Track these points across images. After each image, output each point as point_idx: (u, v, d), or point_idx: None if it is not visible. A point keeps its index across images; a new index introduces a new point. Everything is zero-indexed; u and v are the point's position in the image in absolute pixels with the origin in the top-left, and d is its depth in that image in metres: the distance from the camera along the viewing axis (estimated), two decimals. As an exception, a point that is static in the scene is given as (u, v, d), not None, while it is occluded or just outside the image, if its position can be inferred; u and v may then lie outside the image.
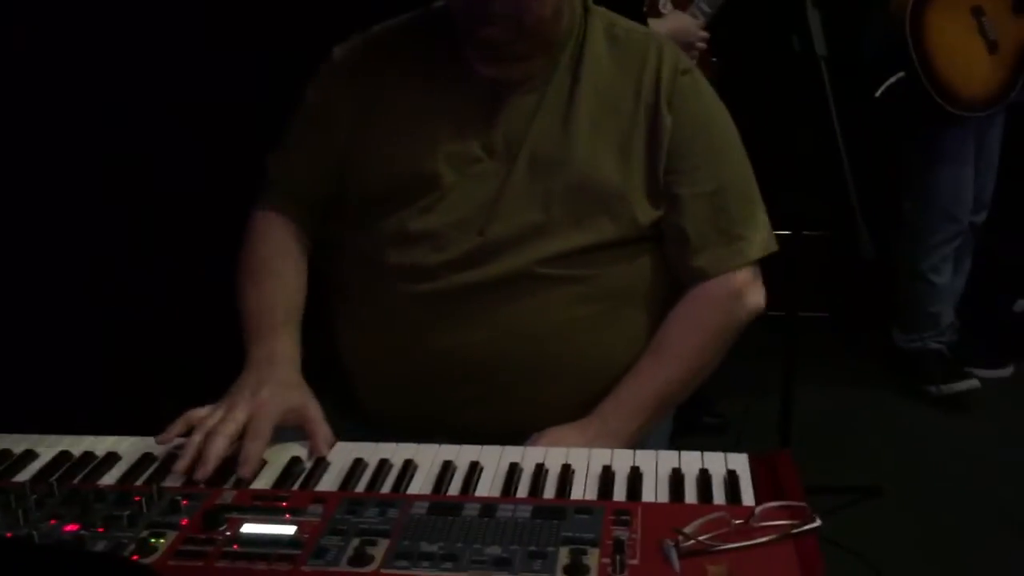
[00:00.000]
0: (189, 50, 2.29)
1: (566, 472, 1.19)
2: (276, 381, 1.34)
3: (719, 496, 1.14)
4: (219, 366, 1.41)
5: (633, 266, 1.49)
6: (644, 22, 2.40)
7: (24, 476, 1.21)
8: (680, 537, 1.00)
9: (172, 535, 1.05)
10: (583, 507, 1.09)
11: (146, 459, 1.25)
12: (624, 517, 1.06)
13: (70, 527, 1.06)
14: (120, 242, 2.30)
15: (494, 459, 1.23)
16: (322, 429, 1.30)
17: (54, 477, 1.19)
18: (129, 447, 1.27)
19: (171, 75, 2.27)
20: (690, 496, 1.14)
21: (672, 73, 1.49)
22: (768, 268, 1.55)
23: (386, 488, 1.18)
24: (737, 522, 1.03)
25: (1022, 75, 3.03)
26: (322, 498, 1.12)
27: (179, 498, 1.11)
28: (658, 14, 2.56)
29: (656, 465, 1.20)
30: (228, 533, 1.05)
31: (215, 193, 2.20)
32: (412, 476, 1.20)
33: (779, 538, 1.02)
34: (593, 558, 0.99)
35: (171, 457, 1.25)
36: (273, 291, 1.48)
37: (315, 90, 1.56)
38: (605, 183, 1.45)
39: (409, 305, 1.45)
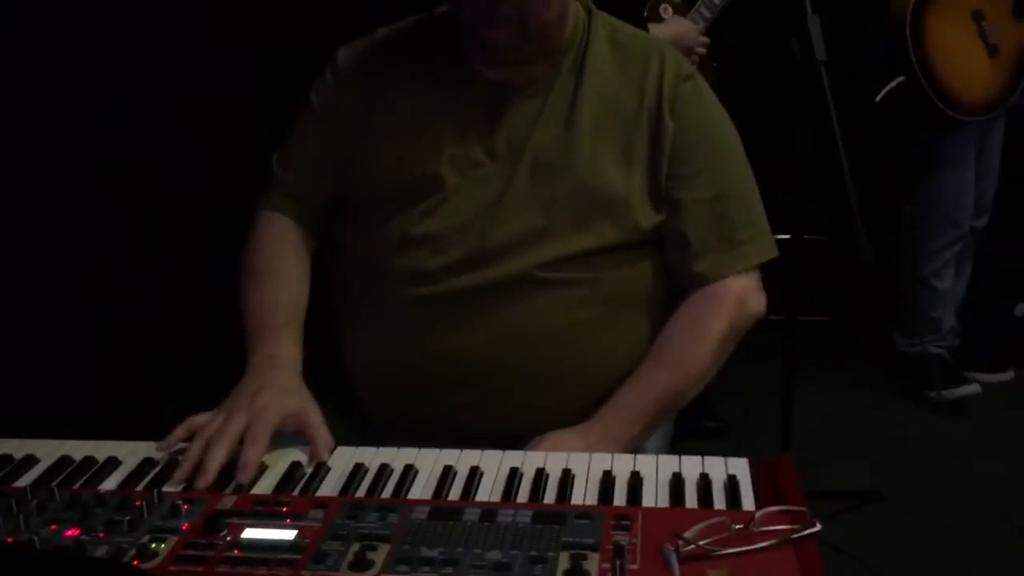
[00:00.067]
0: (189, 50, 2.30)
1: (566, 477, 1.19)
2: (276, 386, 1.34)
3: (719, 501, 1.14)
4: (220, 369, 1.41)
5: (634, 270, 1.50)
6: (644, 27, 2.41)
7: (25, 481, 1.21)
8: (680, 542, 1.00)
9: (173, 540, 1.05)
10: (583, 512, 1.09)
11: (147, 464, 1.25)
12: (624, 522, 1.06)
13: (71, 532, 1.06)
14: (120, 243, 2.30)
15: (494, 464, 1.23)
16: (322, 434, 1.30)
17: (55, 482, 1.19)
18: (129, 452, 1.27)
19: (171, 75, 2.28)
20: (690, 501, 1.14)
21: (674, 79, 1.50)
22: (768, 272, 1.55)
23: (386, 493, 1.18)
24: (737, 527, 1.03)
25: (1022, 79, 3.03)
26: (322, 503, 1.12)
27: (180, 503, 1.11)
28: (658, 19, 2.57)
29: (656, 470, 1.20)
30: (229, 538, 1.05)
31: (216, 193, 2.20)
32: (412, 481, 1.20)
33: (779, 543, 1.02)
34: (593, 563, 0.99)
35: (172, 462, 1.25)
36: (275, 293, 1.48)
37: (319, 92, 1.56)
38: (607, 187, 1.46)
39: (410, 308, 1.45)
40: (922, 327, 3.26)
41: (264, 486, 1.21)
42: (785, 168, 2.21)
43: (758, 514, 1.05)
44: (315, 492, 1.19)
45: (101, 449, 1.28)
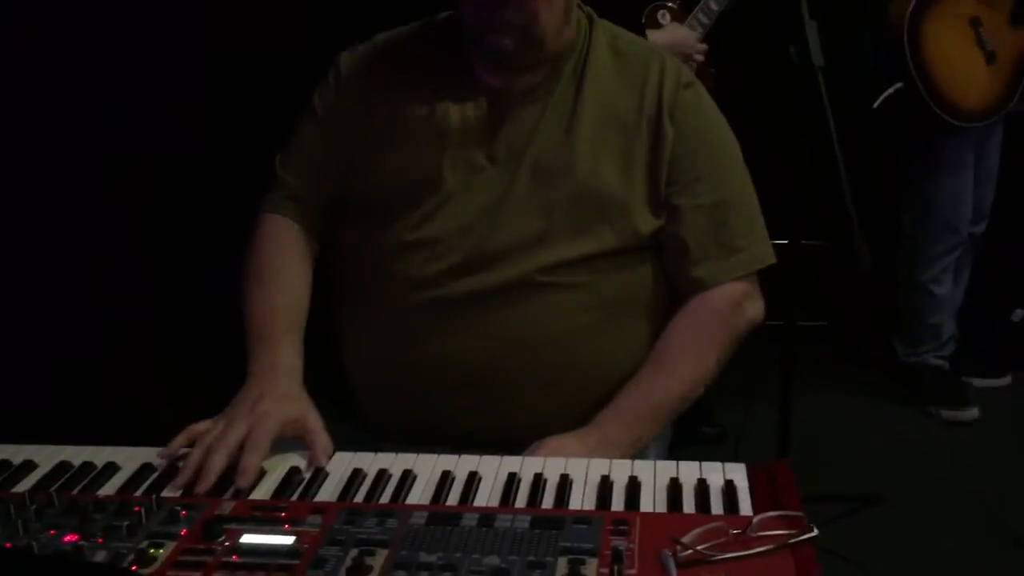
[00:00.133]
0: (191, 50, 2.30)
1: (564, 482, 1.19)
2: (276, 393, 1.34)
3: (717, 506, 1.14)
4: (220, 372, 1.41)
5: (633, 275, 1.50)
6: (642, 33, 2.42)
7: (24, 486, 1.21)
8: (678, 547, 1.00)
9: (171, 545, 1.05)
10: (581, 517, 1.09)
11: (145, 469, 1.25)
12: (622, 527, 1.06)
13: (69, 537, 1.07)
14: (120, 245, 2.30)
15: (493, 469, 1.23)
16: (321, 439, 1.30)
17: (53, 487, 1.19)
18: (128, 457, 1.27)
19: (172, 75, 2.28)
20: (688, 506, 1.14)
21: (675, 86, 1.51)
22: (767, 278, 1.56)
23: (385, 498, 1.18)
24: (735, 532, 1.03)
25: (1020, 85, 3.04)
26: (321, 508, 1.12)
27: (178, 508, 1.11)
28: (656, 25, 2.58)
29: (654, 475, 1.20)
30: (227, 543, 1.05)
31: (216, 194, 2.21)
32: (411, 486, 1.21)
33: (776, 548, 1.02)
34: (591, 568, 0.99)
35: (170, 467, 1.25)
36: (277, 298, 1.49)
37: (321, 95, 1.57)
38: (607, 192, 1.46)
39: (409, 312, 1.45)
40: (923, 335, 3.26)
41: (262, 491, 1.21)
42: (783, 173, 2.21)
43: (755, 519, 1.05)
44: (313, 497, 1.19)
45: (100, 454, 1.28)
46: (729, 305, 1.51)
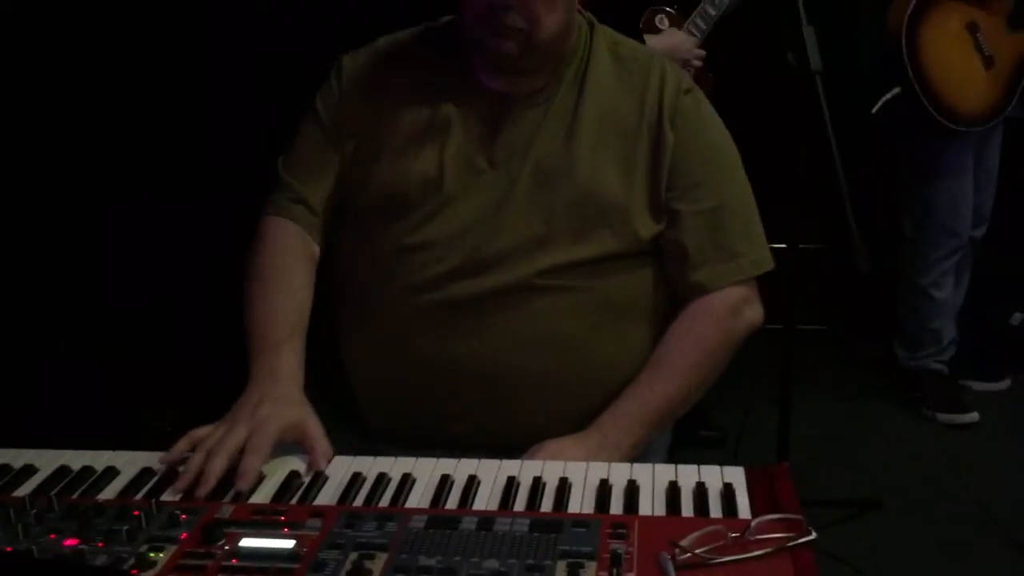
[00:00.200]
0: (193, 51, 2.30)
1: (563, 486, 1.20)
2: (277, 398, 1.35)
3: (715, 509, 1.14)
4: (221, 376, 1.42)
5: (633, 279, 1.51)
6: (640, 39, 2.42)
7: (24, 491, 1.21)
8: (677, 550, 1.01)
9: (171, 549, 1.05)
10: (580, 520, 1.09)
11: (145, 474, 1.25)
12: (621, 530, 1.06)
13: (69, 541, 1.07)
14: (121, 247, 2.30)
15: (492, 473, 1.24)
16: (321, 444, 1.30)
17: (53, 492, 1.19)
18: (128, 462, 1.28)
19: (174, 76, 2.28)
20: (687, 509, 1.15)
21: (675, 92, 1.52)
22: (766, 281, 1.56)
23: (384, 502, 1.19)
24: (733, 535, 1.03)
25: (1018, 90, 3.04)
26: (320, 512, 1.12)
27: (178, 512, 1.11)
28: (654, 30, 2.58)
29: (653, 478, 1.21)
30: (227, 547, 1.06)
31: (217, 195, 2.21)
32: (410, 490, 1.21)
33: (775, 551, 1.02)
34: (590, 571, 1.00)
35: (170, 471, 1.25)
36: (279, 303, 1.49)
37: (324, 99, 1.58)
38: (607, 196, 1.47)
39: (409, 315, 1.46)
40: (923, 339, 3.25)
41: (262, 495, 1.22)
42: (782, 178, 2.21)
43: (754, 522, 1.05)
44: (313, 501, 1.20)
45: (100, 459, 1.28)
46: (728, 310, 1.51)
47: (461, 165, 1.48)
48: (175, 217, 2.30)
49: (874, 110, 2.94)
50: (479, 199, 1.47)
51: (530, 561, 1.01)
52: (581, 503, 1.17)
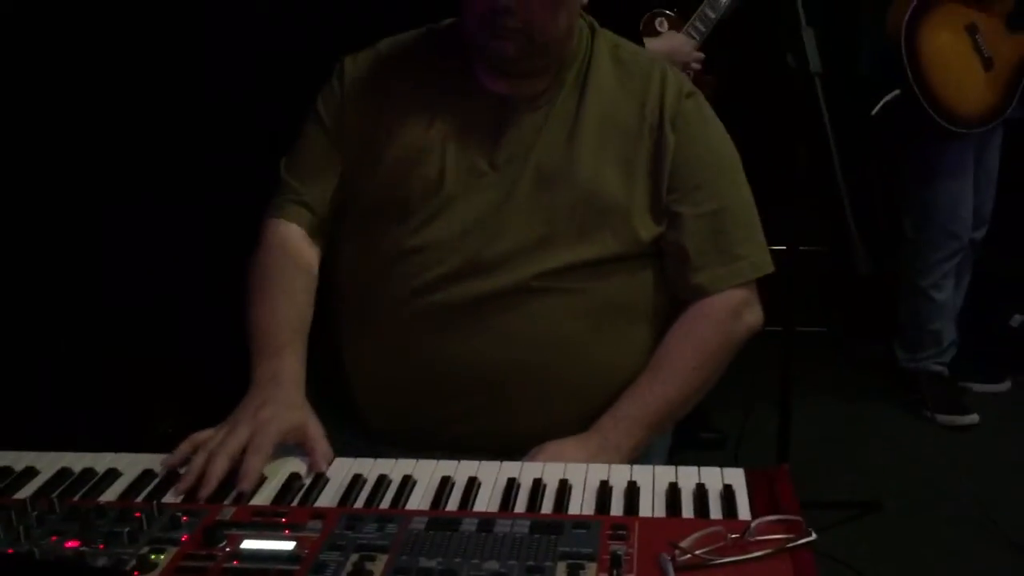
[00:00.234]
0: (192, 53, 2.30)
1: (564, 487, 1.20)
2: (279, 401, 1.35)
3: (715, 511, 1.15)
4: (222, 378, 1.42)
5: (634, 281, 1.51)
6: (640, 42, 2.42)
7: (25, 493, 1.21)
8: (676, 551, 1.01)
9: (172, 551, 1.05)
10: (580, 522, 1.09)
11: (146, 476, 1.25)
12: (621, 532, 1.07)
13: (71, 543, 1.07)
14: (120, 248, 2.30)
15: (492, 474, 1.24)
16: (321, 445, 1.31)
17: (55, 494, 1.19)
18: (129, 464, 1.28)
19: (176, 76, 2.28)
20: (687, 511, 1.15)
21: (676, 96, 1.52)
22: (766, 284, 1.57)
23: (385, 504, 1.19)
24: (733, 536, 1.04)
25: (1018, 91, 3.05)
26: (321, 514, 1.12)
27: (179, 514, 1.11)
28: (654, 33, 2.59)
29: (653, 480, 1.21)
30: (228, 549, 1.06)
31: (218, 197, 2.21)
32: (411, 492, 1.21)
33: (774, 552, 1.03)
34: (590, 572, 1.00)
35: (171, 473, 1.26)
36: (281, 306, 1.49)
37: (326, 101, 1.58)
38: (608, 198, 1.48)
39: (410, 317, 1.46)
40: (924, 341, 3.26)
41: (263, 497, 1.22)
42: (782, 180, 2.22)
43: (754, 524, 1.05)
44: (314, 503, 1.20)
45: (101, 461, 1.28)
46: (728, 312, 1.52)
47: (462, 167, 1.49)
48: (175, 217, 2.30)
49: (874, 112, 2.95)
50: (480, 201, 1.48)
51: (530, 562, 1.02)
52: (581, 504, 1.17)
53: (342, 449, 1.32)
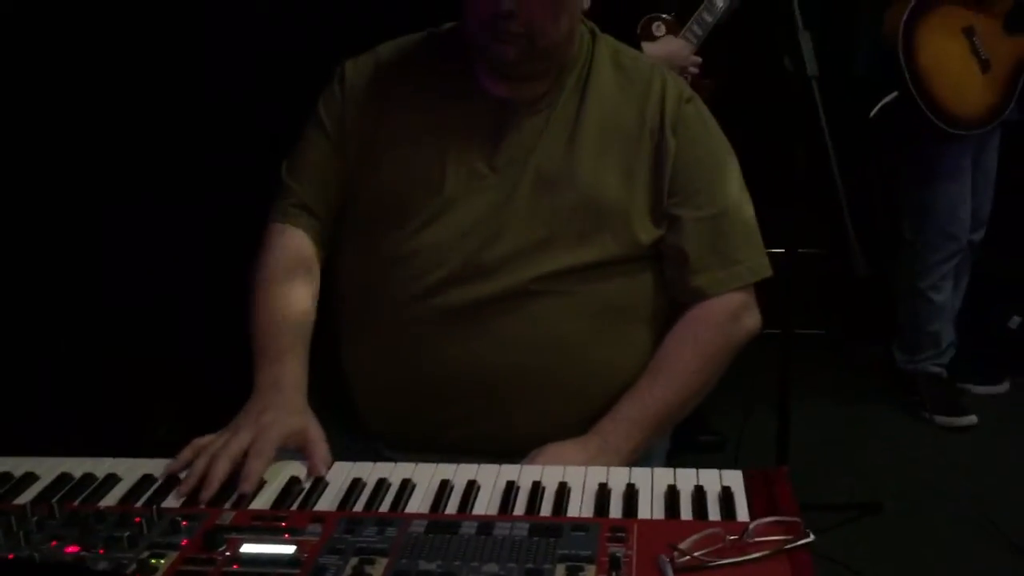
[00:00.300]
0: (190, 50, 2.31)
1: (563, 490, 1.20)
2: (280, 406, 1.35)
3: (714, 512, 1.15)
4: (223, 382, 1.42)
5: (633, 283, 1.52)
6: (637, 46, 2.43)
7: (25, 498, 1.21)
8: (675, 553, 1.01)
9: (172, 556, 1.06)
10: (579, 524, 1.10)
11: (146, 481, 1.26)
12: (620, 534, 1.07)
13: (71, 549, 1.07)
14: (119, 250, 2.30)
15: (491, 477, 1.24)
16: (321, 449, 1.31)
17: (55, 499, 1.19)
18: (129, 469, 1.28)
19: (173, 75, 2.29)
20: (685, 513, 1.15)
21: (677, 101, 1.53)
22: (764, 286, 1.58)
23: (384, 507, 1.19)
24: (731, 538, 1.04)
25: (1016, 93, 3.05)
26: (321, 517, 1.13)
27: (179, 519, 1.12)
28: (651, 38, 2.59)
29: (652, 482, 1.21)
30: (228, 553, 1.06)
31: (220, 199, 2.21)
32: (410, 495, 1.21)
33: (772, 553, 1.03)
34: (589, 575, 1.00)
35: (171, 478, 1.26)
36: (284, 312, 1.49)
37: (326, 104, 1.58)
38: (608, 201, 1.48)
39: (409, 319, 1.47)
40: (922, 343, 3.26)
41: (263, 501, 1.22)
42: (780, 183, 2.22)
43: (752, 525, 1.05)
44: (313, 507, 1.20)
45: (100, 466, 1.28)
46: (727, 315, 1.52)
47: (462, 170, 1.49)
48: (175, 217, 2.30)
49: (872, 114, 2.95)
50: (480, 204, 1.48)
51: (529, 565, 1.02)
52: (580, 507, 1.17)
53: (342, 453, 1.32)
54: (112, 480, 1.25)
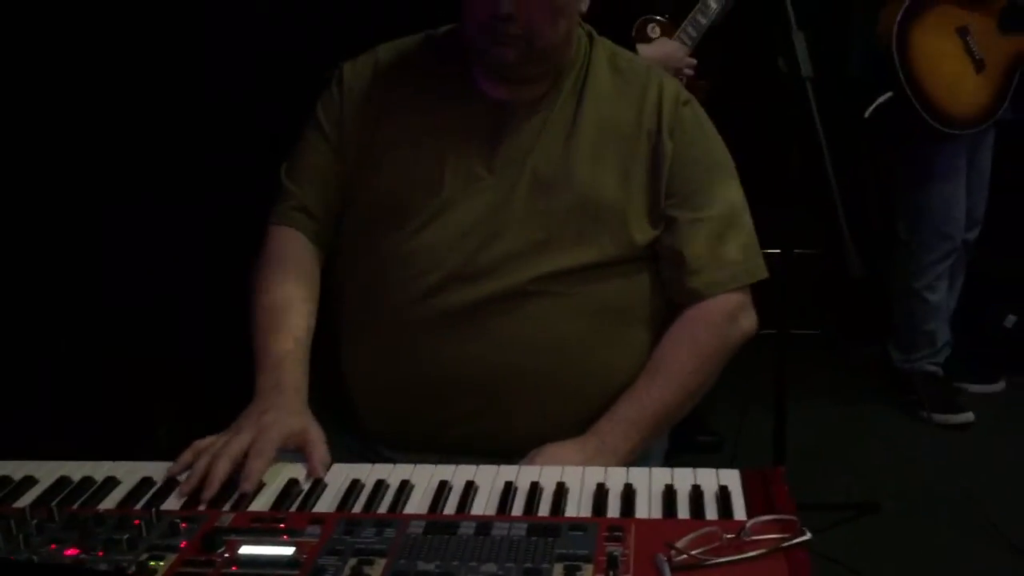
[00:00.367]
0: (190, 50, 2.31)
1: (560, 490, 1.20)
2: (280, 407, 1.36)
3: (711, 512, 1.15)
4: (219, 376, 1.42)
5: (630, 284, 1.52)
6: (632, 48, 2.44)
7: (24, 502, 1.21)
8: (672, 552, 1.01)
9: (171, 558, 1.06)
10: (577, 524, 1.10)
11: (145, 483, 1.26)
12: (617, 533, 1.07)
13: (70, 551, 1.07)
14: (120, 248, 2.30)
15: (489, 478, 1.24)
16: (320, 450, 1.31)
17: (54, 502, 1.20)
18: (128, 471, 1.28)
19: (173, 75, 2.29)
20: (683, 512, 1.15)
21: (673, 104, 1.54)
22: (760, 287, 1.58)
23: (383, 508, 1.19)
24: (728, 536, 1.04)
25: (1010, 93, 3.06)
26: (319, 519, 1.13)
27: (178, 521, 1.12)
28: (646, 40, 2.60)
29: (649, 482, 1.21)
30: (227, 555, 1.06)
31: (219, 202, 2.21)
32: (408, 496, 1.21)
33: (769, 552, 1.03)
34: (587, 574, 1.00)
35: (170, 481, 1.26)
36: (284, 315, 1.49)
37: (325, 106, 1.59)
38: (605, 202, 1.49)
39: (407, 320, 1.47)
40: (918, 342, 3.27)
41: (261, 503, 1.22)
42: (775, 183, 2.23)
43: (748, 524, 1.06)
44: (312, 508, 1.20)
45: (99, 469, 1.28)
46: (724, 316, 1.53)
47: (460, 172, 1.50)
48: (175, 217, 2.30)
49: (866, 114, 2.96)
50: (477, 205, 1.49)
51: (528, 565, 1.02)
52: (578, 507, 1.17)
53: (341, 452, 1.33)
54: (111, 483, 1.25)
